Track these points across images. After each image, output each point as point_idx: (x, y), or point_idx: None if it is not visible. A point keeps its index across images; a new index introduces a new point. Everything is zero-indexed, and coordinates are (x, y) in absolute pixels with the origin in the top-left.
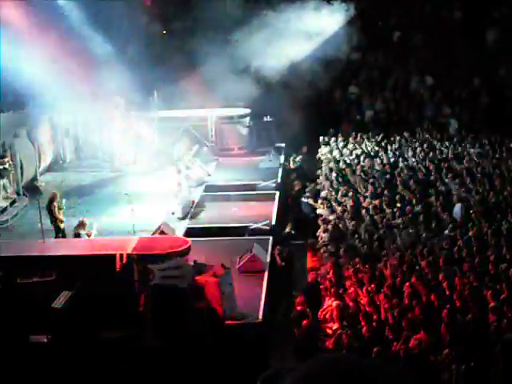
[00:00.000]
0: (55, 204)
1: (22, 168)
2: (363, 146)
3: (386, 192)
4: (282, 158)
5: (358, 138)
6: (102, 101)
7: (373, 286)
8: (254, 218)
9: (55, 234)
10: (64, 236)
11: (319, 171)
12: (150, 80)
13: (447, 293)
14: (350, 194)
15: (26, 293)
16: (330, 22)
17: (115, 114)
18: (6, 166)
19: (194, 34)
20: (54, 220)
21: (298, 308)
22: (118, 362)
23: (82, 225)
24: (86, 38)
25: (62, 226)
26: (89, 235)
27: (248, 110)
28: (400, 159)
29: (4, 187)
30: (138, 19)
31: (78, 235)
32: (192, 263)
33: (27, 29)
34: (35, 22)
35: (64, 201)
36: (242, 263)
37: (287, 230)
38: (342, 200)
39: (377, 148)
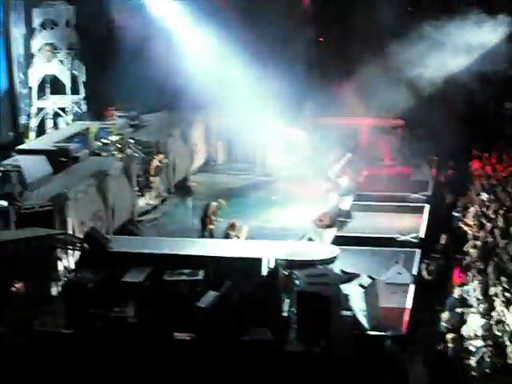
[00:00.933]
0: (214, 207)
1: (174, 167)
2: None
3: None
4: (434, 170)
5: None
6: (256, 104)
7: None
8: (402, 229)
9: (201, 233)
10: (211, 237)
11: (470, 186)
12: (305, 86)
13: None
14: (501, 211)
15: (172, 290)
16: (489, 36)
17: (269, 118)
18: (159, 164)
19: (350, 42)
20: (205, 220)
21: (443, 324)
22: (260, 365)
23: (232, 227)
24: (242, 38)
25: (211, 227)
26: (238, 237)
27: (401, 121)
28: None
29: (156, 185)
30: (296, 25)
31: (227, 236)
32: (338, 271)
33: (183, 27)
34: (191, 20)
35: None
36: (388, 275)
37: (440, 243)
38: (493, 217)
39: None
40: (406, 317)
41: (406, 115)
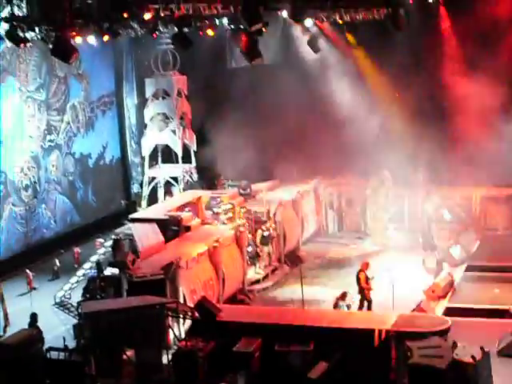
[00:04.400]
0: (364, 273)
1: (284, 236)
2: None
3: None
4: None
5: None
6: (368, 174)
7: None
8: None
9: (360, 304)
10: (370, 304)
11: None
12: (417, 154)
13: None
14: None
15: (283, 361)
16: None
17: (380, 188)
18: (268, 233)
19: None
20: (361, 289)
21: None
22: None
23: (343, 296)
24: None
25: (370, 295)
26: (349, 307)
27: None
28: None
29: (267, 254)
30: None
31: (336, 306)
32: (451, 343)
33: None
34: None
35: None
36: (501, 347)
37: None
38: None
39: None
40: None
41: None
